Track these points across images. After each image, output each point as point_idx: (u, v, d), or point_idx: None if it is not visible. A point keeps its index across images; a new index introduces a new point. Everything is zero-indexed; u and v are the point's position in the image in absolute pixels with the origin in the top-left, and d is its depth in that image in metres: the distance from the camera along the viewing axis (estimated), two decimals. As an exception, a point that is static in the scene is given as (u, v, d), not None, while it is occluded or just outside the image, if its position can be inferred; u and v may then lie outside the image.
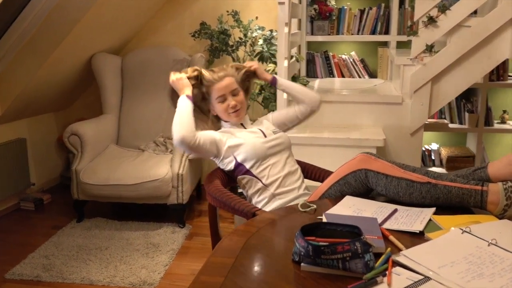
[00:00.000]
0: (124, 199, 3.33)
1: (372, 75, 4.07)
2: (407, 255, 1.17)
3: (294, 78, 3.42)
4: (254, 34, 3.70)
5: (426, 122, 3.09)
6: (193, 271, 2.77)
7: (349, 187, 1.64)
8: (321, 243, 1.13)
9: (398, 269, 1.12)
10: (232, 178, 2.03)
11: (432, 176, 1.52)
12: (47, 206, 3.85)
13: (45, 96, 3.81)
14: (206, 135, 1.94)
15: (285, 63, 2.93)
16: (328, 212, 1.48)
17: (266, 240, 1.36)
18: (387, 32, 3.95)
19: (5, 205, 3.68)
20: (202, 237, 3.22)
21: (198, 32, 3.78)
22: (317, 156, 2.91)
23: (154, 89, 3.83)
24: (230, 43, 3.74)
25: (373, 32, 3.97)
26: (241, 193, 2.12)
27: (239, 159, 1.94)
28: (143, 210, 3.56)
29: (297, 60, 3.65)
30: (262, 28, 3.68)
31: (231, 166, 1.97)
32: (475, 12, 3.10)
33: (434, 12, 2.89)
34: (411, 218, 1.42)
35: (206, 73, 2.03)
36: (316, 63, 4.08)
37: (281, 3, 2.89)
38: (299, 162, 2.14)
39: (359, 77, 4.06)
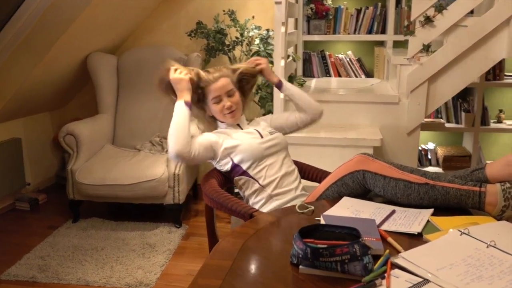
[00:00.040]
0: (120, 199, 3.32)
1: (369, 74, 4.07)
2: (406, 257, 1.16)
3: (291, 78, 3.42)
4: (251, 34, 3.69)
5: (423, 122, 3.09)
6: (189, 271, 2.76)
7: (347, 188, 1.63)
8: (319, 246, 1.13)
9: (396, 271, 1.12)
10: (228, 179, 2.03)
11: (430, 177, 1.51)
12: (42, 206, 3.83)
13: (40, 95, 3.79)
14: (201, 143, 1.91)
15: (282, 62, 2.92)
16: (326, 213, 1.47)
17: (264, 242, 1.35)
18: (383, 31, 3.95)
19: (0, 205, 3.66)
20: (198, 237, 3.21)
21: (194, 32, 3.76)
22: (314, 156, 2.90)
23: (150, 89, 3.81)
24: (227, 42, 3.73)
25: (369, 31, 3.97)
26: (238, 193, 2.11)
27: (235, 160, 1.93)
28: (139, 210, 3.55)
29: (294, 60, 3.64)
30: (259, 28, 3.68)
31: (227, 167, 1.96)
32: (471, 12, 3.10)
33: (431, 12, 2.89)
34: (409, 220, 1.42)
35: (201, 74, 2.02)
36: (312, 63, 4.08)
37: (277, 3, 2.88)
38: (296, 163, 2.13)
39: (356, 76, 4.06)
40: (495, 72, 3.74)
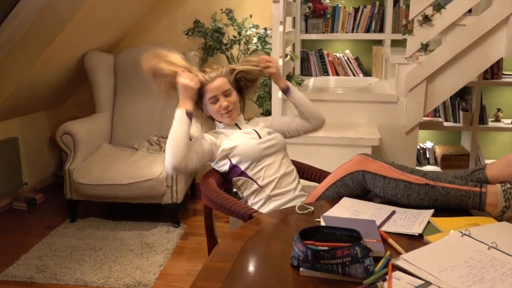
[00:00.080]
0: (118, 199, 3.30)
1: (367, 73, 4.07)
2: (407, 259, 1.15)
3: (289, 77, 3.41)
4: (249, 32, 3.68)
5: (421, 121, 3.08)
6: (188, 271, 2.75)
7: (347, 189, 1.63)
8: (320, 248, 1.12)
9: (398, 273, 1.11)
10: (227, 179, 2.02)
11: (430, 177, 1.51)
12: (40, 206, 3.81)
13: (37, 94, 3.77)
14: (198, 149, 1.87)
15: (280, 61, 2.91)
16: (325, 214, 1.46)
17: (264, 244, 1.35)
18: (381, 30, 3.95)
19: (-3, 205, 3.65)
20: (197, 236, 3.20)
21: (191, 30, 3.75)
22: (312, 155, 2.90)
23: (147, 88, 3.71)
24: (224, 41, 3.72)
25: (367, 30, 3.96)
26: (236, 193, 2.10)
27: (234, 161, 1.92)
28: (137, 210, 3.54)
29: (292, 59, 3.64)
30: (257, 26, 3.67)
31: (225, 168, 1.95)
32: (470, 11, 3.11)
33: (429, 11, 2.89)
34: (410, 220, 1.41)
35: (198, 74, 2.00)
36: (310, 62, 4.07)
37: (275, 2, 2.88)
38: (294, 162, 2.12)
39: (354, 75, 4.05)
40: (493, 71, 3.74)
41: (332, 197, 1.66)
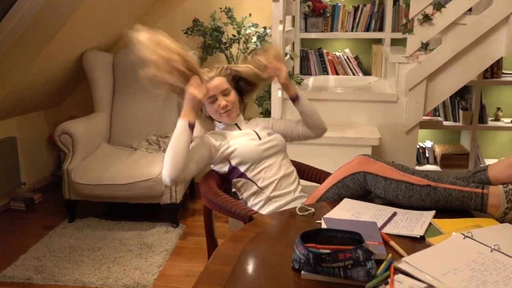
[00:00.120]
0: (117, 199, 3.29)
1: (366, 72, 4.05)
2: (409, 262, 1.14)
3: (288, 76, 3.39)
4: (248, 31, 3.66)
5: (421, 120, 3.08)
6: (187, 272, 2.74)
7: (347, 190, 1.61)
8: (322, 251, 1.11)
9: (400, 276, 1.10)
10: (226, 180, 2.00)
11: (432, 178, 1.50)
12: (38, 206, 3.79)
13: (35, 94, 3.75)
14: (196, 158, 1.83)
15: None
16: (326, 216, 1.45)
17: (264, 246, 1.33)
18: (381, 29, 3.93)
19: (-5, 205, 3.64)
20: (196, 236, 3.19)
21: (190, 29, 3.73)
22: (312, 155, 2.88)
23: (146, 87, 3.77)
24: (224, 40, 3.70)
25: (367, 29, 3.95)
26: (235, 193, 2.09)
27: (233, 163, 1.91)
28: (136, 210, 3.52)
29: (291, 58, 3.62)
30: (256, 25, 3.65)
31: (225, 169, 1.94)
32: (470, 10, 3.09)
33: (429, 10, 2.88)
34: (411, 222, 1.40)
35: (199, 72, 1.98)
36: (310, 60, 4.06)
37: (275, 0, 2.87)
38: (294, 163, 2.11)
39: (353, 74, 4.04)
40: (493, 70, 3.73)
41: (332, 198, 1.65)
